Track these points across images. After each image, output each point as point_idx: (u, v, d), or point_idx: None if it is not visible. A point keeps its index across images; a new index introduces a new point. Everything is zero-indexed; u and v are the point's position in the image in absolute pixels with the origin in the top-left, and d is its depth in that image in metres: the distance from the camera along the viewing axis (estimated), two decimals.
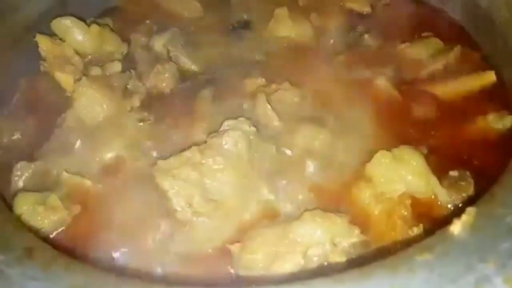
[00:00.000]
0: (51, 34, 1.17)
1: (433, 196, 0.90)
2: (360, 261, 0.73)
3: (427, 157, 0.93)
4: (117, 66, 1.14)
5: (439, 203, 0.89)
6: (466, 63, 1.16)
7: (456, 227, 0.64)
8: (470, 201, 0.86)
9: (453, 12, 1.29)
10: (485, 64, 1.16)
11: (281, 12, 1.29)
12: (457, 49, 1.17)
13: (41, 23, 1.22)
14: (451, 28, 1.27)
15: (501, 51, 1.10)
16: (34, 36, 1.14)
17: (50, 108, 1.11)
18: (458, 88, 1.11)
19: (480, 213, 0.65)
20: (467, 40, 1.22)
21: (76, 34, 1.15)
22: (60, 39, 1.16)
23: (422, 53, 1.19)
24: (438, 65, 1.16)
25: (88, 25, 1.18)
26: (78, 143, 1.02)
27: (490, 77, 1.11)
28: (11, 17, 1.19)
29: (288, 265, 0.78)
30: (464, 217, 0.65)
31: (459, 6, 1.26)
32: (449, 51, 1.18)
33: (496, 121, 1.03)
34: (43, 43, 1.12)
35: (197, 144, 0.94)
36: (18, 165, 0.98)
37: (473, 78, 1.12)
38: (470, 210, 0.66)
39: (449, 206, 0.89)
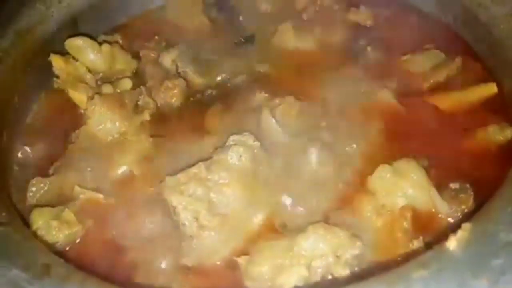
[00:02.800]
0: (64, 52, 1.22)
1: (433, 209, 0.91)
2: (361, 275, 0.77)
3: (427, 170, 0.95)
4: (127, 83, 1.18)
5: (439, 215, 0.91)
6: (467, 74, 1.17)
7: (452, 243, 0.66)
8: (470, 214, 0.89)
9: (454, 24, 1.30)
10: (487, 75, 1.16)
11: (285, 26, 1.32)
12: (458, 61, 1.18)
13: (55, 40, 1.27)
14: (452, 40, 1.27)
15: (501, 63, 1.11)
16: (48, 54, 1.19)
17: (63, 125, 1.15)
18: (459, 100, 1.12)
19: (475, 229, 0.67)
20: (468, 52, 1.23)
21: (88, 53, 1.20)
22: (73, 57, 1.20)
23: (424, 65, 1.21)
24: (439, 77, 1.17)
25: (100, 44, 1.22)
26: (91, 158, 1.07)
27: (491, 88, 1.12)
28: (26, 36, 1.24)
29: (293, 277, 0.81)
30: (459, 233, 0.67)
31: (460, 18, 1.27)
32: (450, 63, 1.19)
33: (496, 133, 1.03)
34: (57, 62, 1.17)
35: (205, 159, 0.97)
36: (33, 181, 1.02)
37: (474, 90, 1.13)
38: (466, 226, 0.68)
39: (450, 218, 0.91)
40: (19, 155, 1.12)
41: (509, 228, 0.66)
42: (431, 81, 1.18)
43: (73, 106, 1.17)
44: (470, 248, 0.65)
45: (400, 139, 1.06)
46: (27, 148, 1.13)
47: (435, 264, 0.64)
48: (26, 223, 0.93)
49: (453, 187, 0.94)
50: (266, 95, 1.14)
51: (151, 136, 1.11)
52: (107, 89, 1.16)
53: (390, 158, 0.97)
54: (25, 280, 0.67)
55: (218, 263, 0.89)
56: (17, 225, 0.85)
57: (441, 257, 0.65)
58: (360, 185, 0.96)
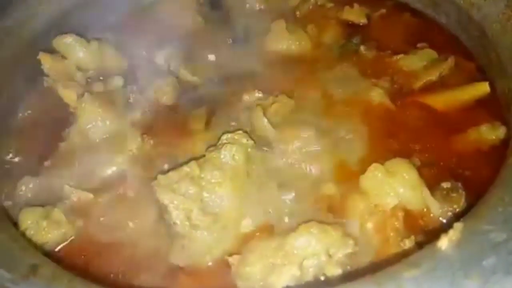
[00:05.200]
0: (53, 50, 1.20)
1: (425, 209, 0.91)
2: (353, 274, 0.77)
3: (419, 169, 0.95)
4: (118, 81, 1.17)
5: (431, 215, 0.91)
6: (460, 74, 1.18)
7: (443, 243, 0.66)
8: (462, 213, 0.89)
9: (447, 23, 1.30)
10: (479, 74, 1.17)
11: (279, 24, 1.32)
12: (451, 60, 1.18)
13: (44, 39, 1.25)
14: (445, 39, 1.28)
15: (493, 62, 1.12)
16: (37, 53, 1.18)
17: (53, 123, 1.14)
18: (452, 99, 1.13)
19: (466, 229, 0.67)
20: (461, 51, 1.23)
21: (77, 51, 1.19)
22: (62, 56, 1.19)
23: (417, 64, 1.21)
24: (432, 76, 1.17)
25: (89, 42, 1.21)
26: (81, 157, 1.05)
27: (484, 88, 1.12)
28: (15, 34, 1.23)
29: (284, 276, 0.81)
30: (451, 232, 0.67)
31: (453, 17, 1.28)
32: (443, 62, 1.19)
33: (489, 132, 1.03)
34: (46, 61, 1.16)
35: (196, 157, 0.97)
36: (23, 180, 1.01)
37: (467, 89, 1.14)
38: (457, 226, 0.68)
39: (441, 218, 0.91)
40: (9, 154, 1.11)
41: (500, 228, 0.67)
42: (424, 80, 1.17)
43: (63, 104, 1.15)
44: (462, 248, 0.65)
45: (392, 138, 1.06)
46: (17, 147, 1.11)
47: (427, 263, 0.64)
48: (15, 223, 0.92)
49: (445, 187, 0.94)
50: (259, 93, 1.14)
51: (142, 134, 1.10)
52: (97, 87, 1.15)
53: (382, 157, 0.97)
54: (9, 280, 0.66)
55: (210, 263, 0.88)
56: (4, 225, 0.84)
57: (433, 257, 0.65)
58: (352, 184, 0.96)
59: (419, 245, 0.83)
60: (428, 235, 0.87)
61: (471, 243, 0.66)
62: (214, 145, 0.99)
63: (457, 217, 0.88)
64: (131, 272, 0.88)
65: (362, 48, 1.28)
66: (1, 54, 1.18)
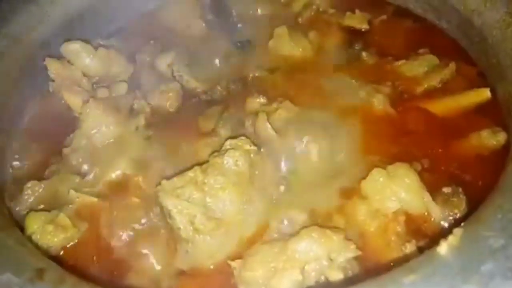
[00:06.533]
0: (60, 56, 1.22)
1: (426, 213, 0.92)
2: (354, 279, 0.78)
3: (421, 174, 0.95)
4: (123, 87, 1.19)
5: (432, 219, 0.92)
6: (461, 79, 1.18)
7: (443, 248, 0.67)
8: (463, 217, 0.90)
9: (449, 29, 1.31)
10: (480, 80, 1.18)
11: (281, 30, 1.33)
12: (452, 66, 1.19)
13: (50, 44, 1.27)
14: (446, 44, 1.29)
15: (494, 68, 1.12)
16: (44, 58, 1.19)
17: (59, 128, 1.16)
18: (453, 105, 1.13)
19: (465, 235, 0.68)
20: (462, 56, 1.24)
21: (84, 57, 1.20)
22: (69, 61, 1.21)
23: (418, 70, 1.21)
24: (433, 81, 1.18)
25: (95, 48, 1.23)
26: (85, 162, 1.07)
27: (484, 94, 1.13)
28: (21, 40, 1.24)
29: (286, 281, 0.82)
30: (450, 238, 0.68)
31: (454, 23, 1.28)
32: (444, 67, 1.19)
33: (489, 138, 1.04)
34: (52, 66, 1.17)
35: (200, 163, 0.98)
36: (29, 185, 1.03)
37: (468, 94, 1.14)
38: (457, 232, 0.69)
39: (442, 222, 0.92)
40: (14, 158, 1.13)
41: (499, 234, 0.67)
42: (425, 85, 1.18)
43: (69, 109, 1.17)
44: (460, 253, 0.66)
45: (394, 144, 1.06)
46: (22, 152, 1.13)
47: (426, 268, 0.65)
48: (21, 227, 0.94)
49: (445, 191, 0.95)
50: (263, 99, 1.15)
51: (146, 139, 1.11)
52: (102, 93, 1.16)
53: (383, 162, 0.97)
54: (17, 284, 0.68)
55: (212, 267, 0.89)
56: (11, 230, 0.85)
57: (432, 262, 0.66)
58: (354, 189, 0.97)
59: (420, 250, 0.84)
60: (429, 240, 0.87)
61: (470, 248, 0.66)
62: (218, 151, 1.00)
63: (458, 221, 0.89)
64: (135, 275, 0.89)
65: (363, 54, 1.28)
66: (8, 60, 1.19)
